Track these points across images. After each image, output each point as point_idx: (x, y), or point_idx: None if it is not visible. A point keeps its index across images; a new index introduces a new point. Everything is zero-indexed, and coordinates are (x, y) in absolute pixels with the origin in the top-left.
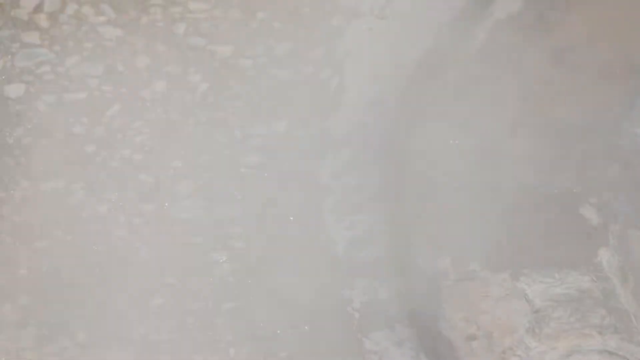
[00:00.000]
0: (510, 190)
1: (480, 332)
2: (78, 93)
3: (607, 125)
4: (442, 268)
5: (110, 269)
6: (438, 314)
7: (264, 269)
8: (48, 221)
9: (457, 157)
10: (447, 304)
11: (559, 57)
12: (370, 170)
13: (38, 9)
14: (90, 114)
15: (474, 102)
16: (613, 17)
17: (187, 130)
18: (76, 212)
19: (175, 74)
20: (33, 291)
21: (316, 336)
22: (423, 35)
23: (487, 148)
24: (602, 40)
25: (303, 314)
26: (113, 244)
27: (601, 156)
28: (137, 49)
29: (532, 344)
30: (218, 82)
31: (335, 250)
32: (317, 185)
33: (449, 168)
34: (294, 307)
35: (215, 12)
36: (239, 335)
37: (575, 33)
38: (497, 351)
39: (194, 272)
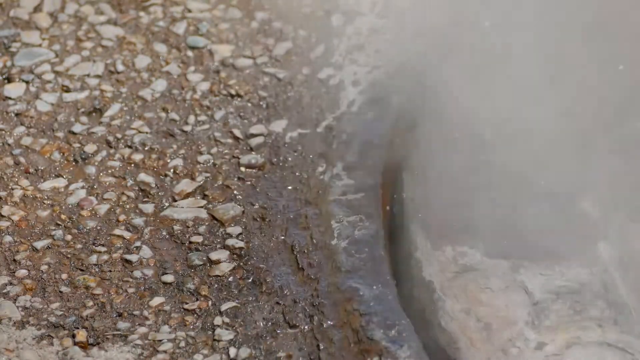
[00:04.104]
0: (510, 182)
1: (480, 324)
2: (78, 93)
3: (609, 119)
4: (442, 260)
5: (110, 268)
6: (438, 306)
7: (264, 268)
8: (48, 221)
9: (457, 150)
10: (447, 296)
11: None
12: (370, 169)
13: (38, 8)
14: (90, 114)
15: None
16: None
17: (187, 130)
18: (76, 212)
19: (175, 73)
20: (33, 290)
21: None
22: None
23: (487, 141)
24: None
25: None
26: (113, 244)
27: (602, 148)
28: (137, 49)
29: (532, 336)
30: (218, 82)
31: (335, 250)
32: (318, 185)
33: (449, 162)
34: (290, 304)
35: (215, 12)
36: (239, 335)
37: None
38: (497, 343)
39: (194, 272)
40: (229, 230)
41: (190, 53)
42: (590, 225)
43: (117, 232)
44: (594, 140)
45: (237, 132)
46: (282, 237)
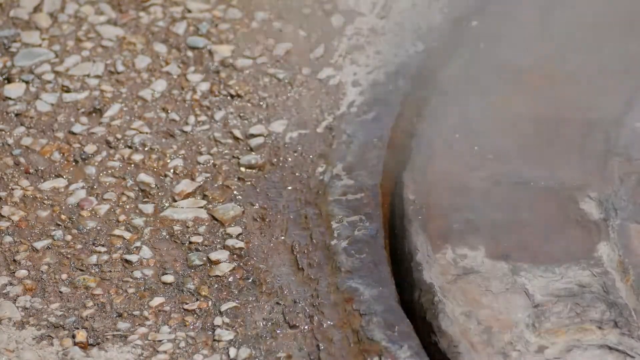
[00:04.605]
0: (510, 184)
1: (480, 327)
2: (78, 93)
3: (609, 119)
4: (442, 263)
5: (110, 268)
6: (438, 308)
7: (264, 268)
8: (48, 221)
9: (457, 153)
10: (447, 299)
11: None
12: (370, 169)
13: (38, 8)
14: (90, 114)
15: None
16: None
17: (187, 130)
18: (76, 212)
19: (175, 74)
20: (33, 291)
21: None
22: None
23: (488, 143)
24: None
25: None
26: (113, 244)
27: (602, 150)
28: (137, 49)
29: (532, 339)
30: (218, 82)
31: (334, 250)
32: (318, 185)
33: (450, 165)
34: (290, 305)
35: (215, 12)
36: (239, 336)
37: None
38: (497, 346)
39: (194, 272)
40: (229, 230)
41: (190, 53)
42: (590, 227)
43: (117, 232)
44: (594, 140)
45: (237, 133)
46: (282, 237)
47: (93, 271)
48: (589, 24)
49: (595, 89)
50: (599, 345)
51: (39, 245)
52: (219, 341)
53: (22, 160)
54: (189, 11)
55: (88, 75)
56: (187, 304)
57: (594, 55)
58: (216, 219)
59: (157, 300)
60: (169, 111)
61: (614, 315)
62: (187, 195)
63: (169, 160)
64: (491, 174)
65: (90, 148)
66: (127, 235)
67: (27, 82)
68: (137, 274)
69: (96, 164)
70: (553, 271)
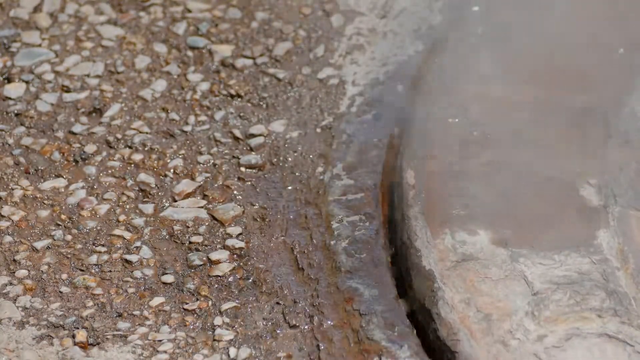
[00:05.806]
0: (510, 171)
1: (480, 314)
2: (78, 93)
3: (608, 105)
4: (441, 249)
5: (110, 268)
6: (437, 295)
7: (264, 268)
8: (48, 221)
9: (456, 138)
10: (447, 286)
11: None
12: (370, 169)
13: (38, 8)
14: (90, 114)
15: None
16: None
17: (187, 130)
18: (76, 212)
19: (175, 73)
20: (33, 291)
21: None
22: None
23: (487, 130)
24: None
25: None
26: (113, 244)
27: (602, 137)
28: (137, 49)
29: (532, 327)
30: (218, 82)
31: (334, 250)
32: (318, 185)
33: (449, 150)
34: (290, 305)
35: (215, 12)
36: (239, 335)
37: None
38: (497, 334)
39: (194, 272)
40: (229, 230)
41: (190, 53)
42: (590, 214)
43: (117, 232)
44: (595, 127)
45: (237, 132)
46: (282, 237)
47: (93, 271)
48: (588, 9)
49: (595, 75)
50: (598, 334)
51: (39, 245)
52: (219, 341)
53: (22, 160)
54: (189, 11)
55: (88, 75)
56: (187, 303)
57: (593, 41)
58: (216, 219)
59: (157, 300)
60: (169, 111)
61: (613, 304)
62: (187, 195)
63: (169, 160)
64: (490, 160)
65: (90, 148)
66: (127, 235)
67: (27, 82)
68: (137, 273)
69: (96, 163)
70: (552, 258)
